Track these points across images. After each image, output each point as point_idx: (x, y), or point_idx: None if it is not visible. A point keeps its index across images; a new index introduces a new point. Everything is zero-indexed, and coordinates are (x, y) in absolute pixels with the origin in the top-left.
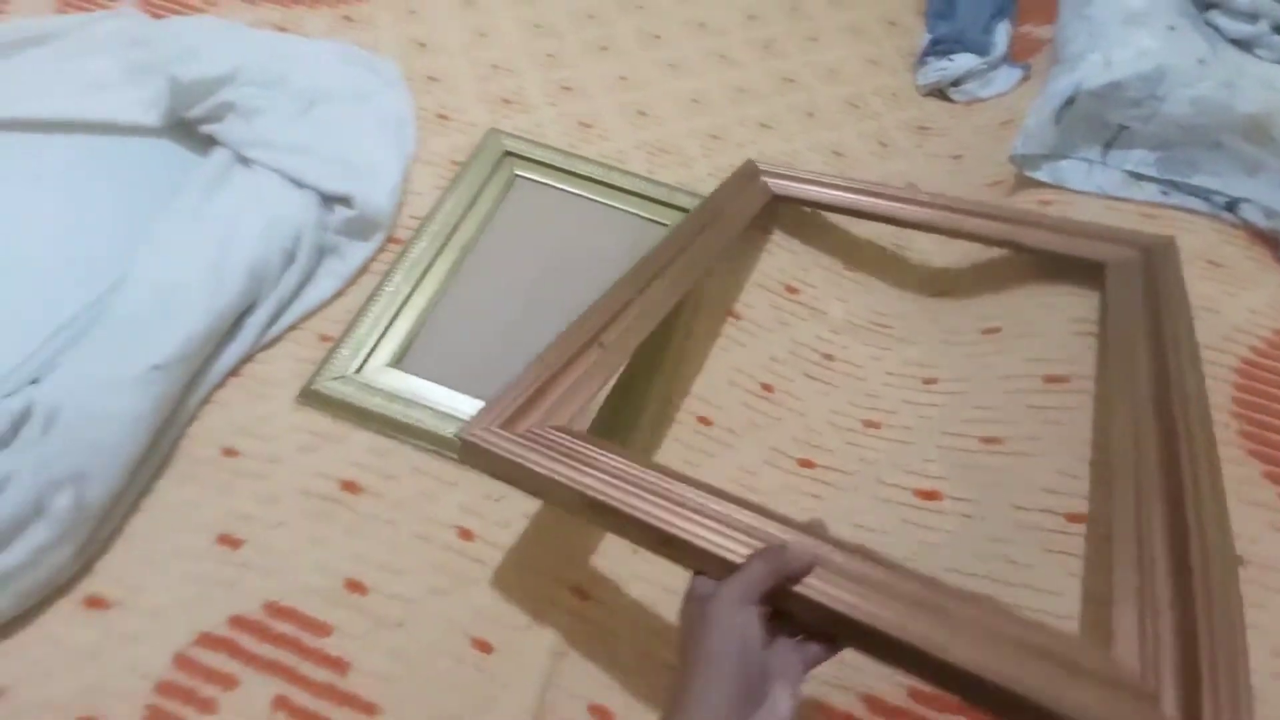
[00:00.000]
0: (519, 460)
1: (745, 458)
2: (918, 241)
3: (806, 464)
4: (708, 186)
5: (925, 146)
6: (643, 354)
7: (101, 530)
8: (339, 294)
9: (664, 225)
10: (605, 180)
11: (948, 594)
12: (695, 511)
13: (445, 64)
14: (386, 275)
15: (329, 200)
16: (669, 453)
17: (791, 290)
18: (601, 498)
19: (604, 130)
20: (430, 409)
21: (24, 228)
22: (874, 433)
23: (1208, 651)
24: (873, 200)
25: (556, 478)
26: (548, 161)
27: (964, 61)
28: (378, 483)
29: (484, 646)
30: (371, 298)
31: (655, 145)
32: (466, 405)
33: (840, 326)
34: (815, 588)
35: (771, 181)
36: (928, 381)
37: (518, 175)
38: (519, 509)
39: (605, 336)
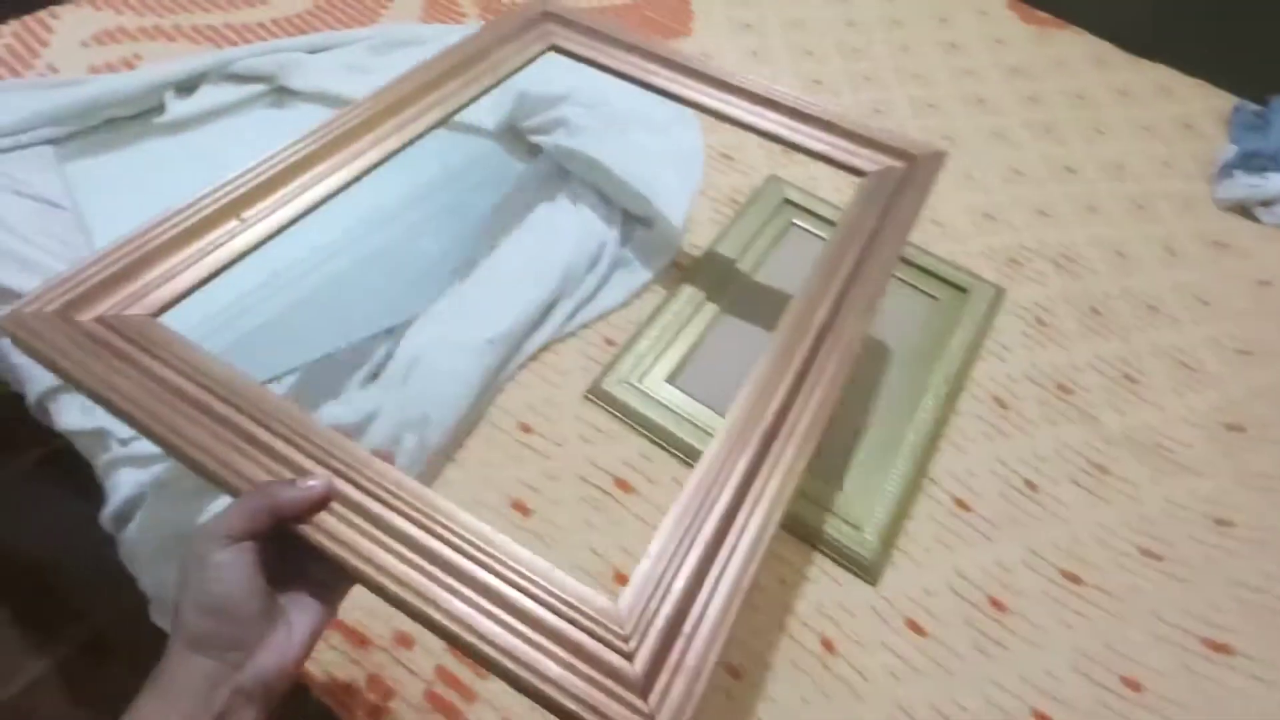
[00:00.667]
0: (59, 359)
1: (1003, 553)
2: (1208, 364)
3: (1071, 577)
4: (978, 264)
5: (1222, 263)
6: (892, 412)
7: (426, 475)
8: (625, 304)
9: (933, 298)
10: None
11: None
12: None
13: None
14: (670, 295)
15: (630, 219)
16: (922, 528)
17: (1064, 390)
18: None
19: None
20: (696, 426)
21: (395, 205)
22: (1152, 564)
23: None
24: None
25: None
26: (821, 214)
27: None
28: (643, 484)
29: (733, 671)
30: (656, 313)
31: (925, 215)
32: (714, 419)
33: (1116, 439)
34: (321, 528)
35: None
36: (1221, 522)
37: (793, 223)
38: None
39: (248, 212)
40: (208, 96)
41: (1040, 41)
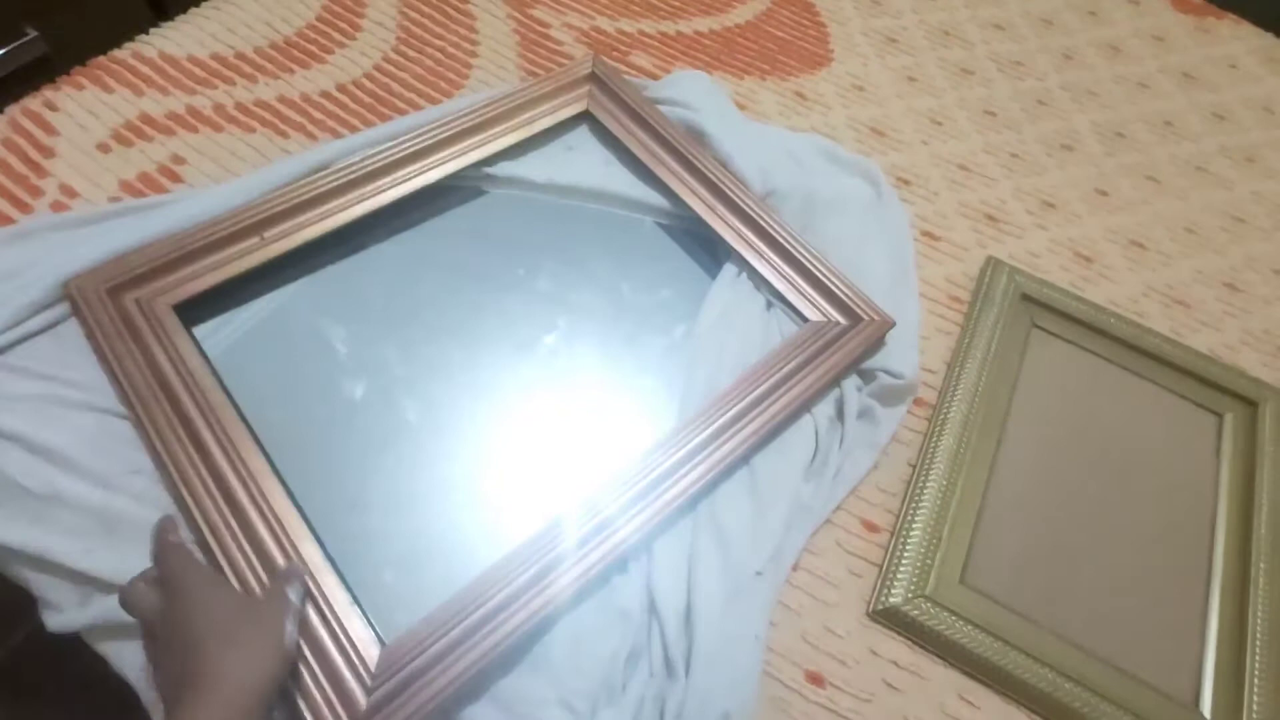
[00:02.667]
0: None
1: None
2: None
3: None
4: (1244, 359)
5: None
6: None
7: None
8: (874, 468)
9: (1213, 414)
10: (1128, 340)
11: None
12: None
13: (909, 161)
14: (926, 454)
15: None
16: None
17: None
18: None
19: (1105, 266)
20: (1008, 644)
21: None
22: None
23: None
24: None
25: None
26: (1064, 309)
27: None
28: None
29: None
30: (916, 485)
31: (1167, 294)
32: (1033, 634)
33: None
34: None
35: None
36: None
37: (1036, 326)
38: None
39: (269, 231)
40: None
41: (1202, 37)
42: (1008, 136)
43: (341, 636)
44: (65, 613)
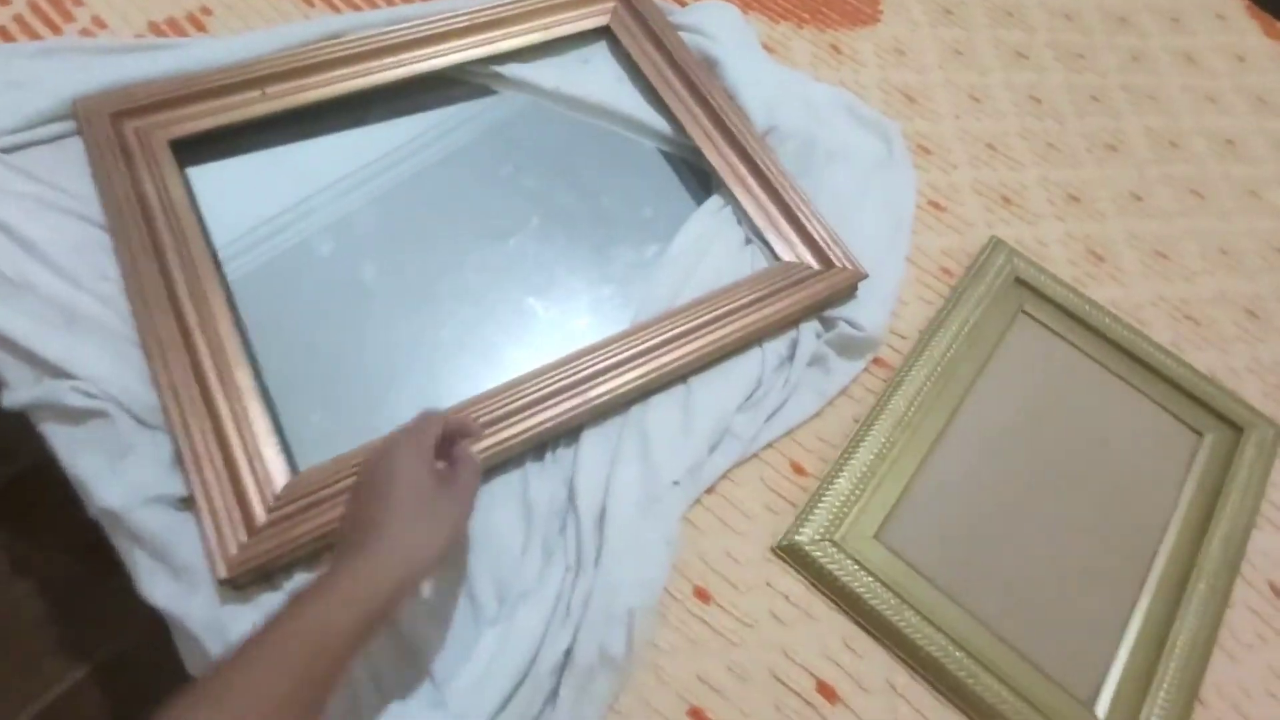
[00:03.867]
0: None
1: None
2: None
3: None
4: (1245, 385)
5: None
6: (1158, 600)
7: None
8: (816, 414)
9: (1194, 432)
10: (1121, 343)
11: None
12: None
13: (935, 131)
14: (875, 410)
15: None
16: None
17: None
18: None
19: (1117, 268)
20: (909, 605)
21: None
22: None
23: None
24: None
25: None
26: (1058, 300)
27: None
28: (852, 694)
29: None
30: (858, 436)
31: (1179, 307)
32: (938, 601)
33: None
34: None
35: None
36: None
37: (1023, 311)
38: None
39: (274, 87)
40: None
41: None
42: (1048, 125)
43: (255, 458)
44: (16, 391)
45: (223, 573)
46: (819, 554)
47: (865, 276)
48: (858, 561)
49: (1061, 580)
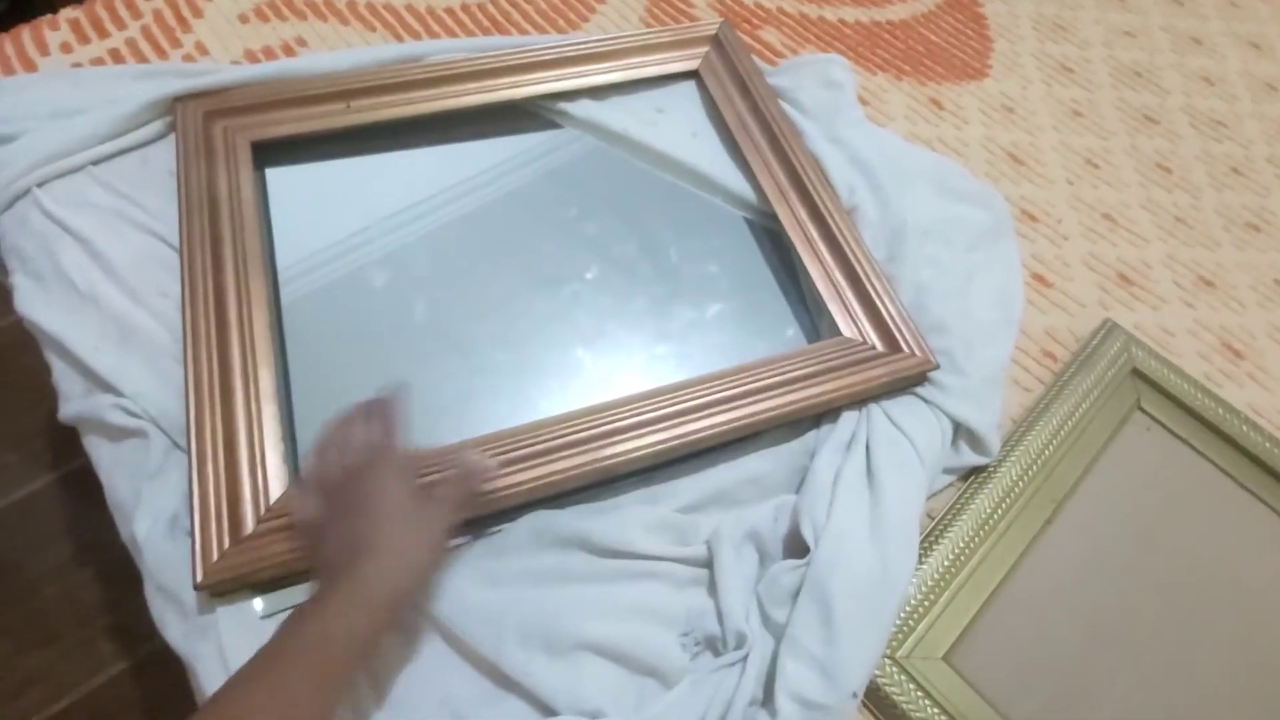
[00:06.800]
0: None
1: None
2: None
3: None
4: None
5: None
6: None
7: None
8: None
9: None
10: (1260, 456)
11: None
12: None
13: (1043, 196)
14: (952, 509)
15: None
16: None
17: None
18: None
19: (1259, 367)
20: None
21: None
22: None
23: None
24: None
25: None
26: (1183, 399)
27: None
28: None
29: None
30: (929, 541)
31: None
32: None
33: None
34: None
35: None
36: None
37: (1141, 409)
38: None
39: (358, 102)
40: None
41: None
42: (1179, 198)
43: (258, 462)
44: (70, 403)
45: (199, 578)
46: (876, 672)
47: (935, 366)
48: (921, 686)
49: None
